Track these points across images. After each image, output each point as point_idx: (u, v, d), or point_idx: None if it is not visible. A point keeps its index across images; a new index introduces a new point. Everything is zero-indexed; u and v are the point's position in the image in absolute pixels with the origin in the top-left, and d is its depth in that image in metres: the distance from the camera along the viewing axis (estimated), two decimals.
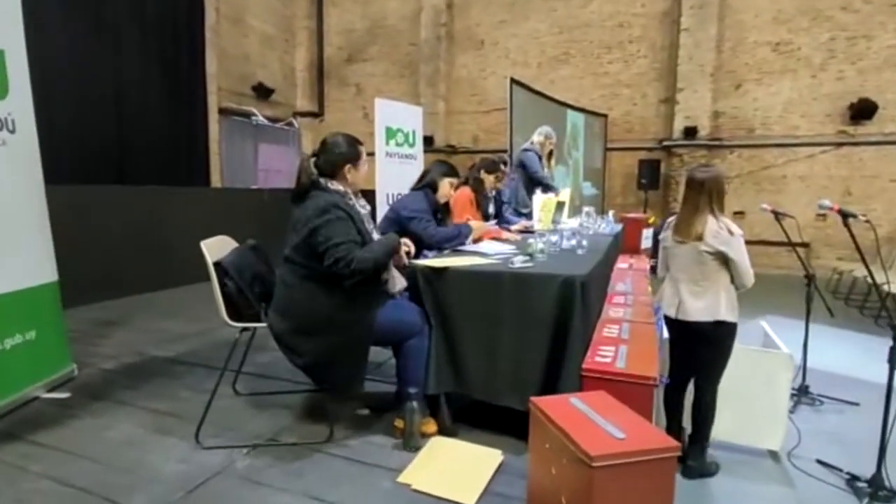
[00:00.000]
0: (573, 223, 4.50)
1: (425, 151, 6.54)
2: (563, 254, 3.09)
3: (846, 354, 4.18)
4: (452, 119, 10.00)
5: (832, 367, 3.79)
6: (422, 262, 2.62)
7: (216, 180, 8.72)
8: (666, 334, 2.58)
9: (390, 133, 5.71)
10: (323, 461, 2.42)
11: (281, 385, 3.16)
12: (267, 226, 6.58)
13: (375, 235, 2.59)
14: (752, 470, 2.48)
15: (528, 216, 4.66)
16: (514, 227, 4.11)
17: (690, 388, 2.48)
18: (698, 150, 8.25)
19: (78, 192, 5.27)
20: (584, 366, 2.15)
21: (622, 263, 4.38)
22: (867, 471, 2.30)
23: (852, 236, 2.43)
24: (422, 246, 3.15)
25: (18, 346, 2.95)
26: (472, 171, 4.04)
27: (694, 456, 2.37)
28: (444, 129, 9.91)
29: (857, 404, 3.18)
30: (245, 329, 2.63)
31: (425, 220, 3.22)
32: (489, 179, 4.01)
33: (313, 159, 2.52)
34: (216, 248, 2.61)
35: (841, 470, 2.41)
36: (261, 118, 9.52)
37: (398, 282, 2.59)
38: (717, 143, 8.27)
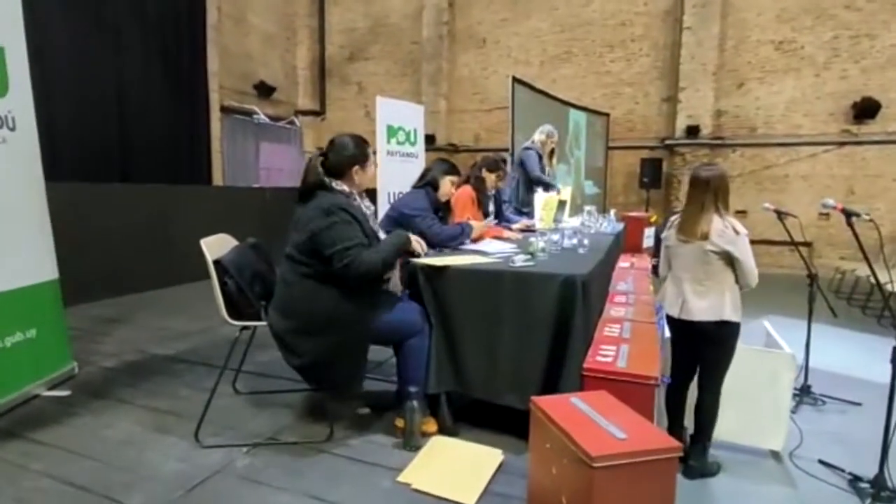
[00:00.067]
0: (574, 222, 4.49)
1: (427, 150, 6.54)
2: (564, 253, 3.09)
3: (848, 354, 4.17)
4: (454, 118, 9.99)
5: (834, 366, 3.78)
6: (422, 260, 2.61)
7: (218, 179, 8.72)
8: (668, 334, 2.57)
9: (391, 131, 5.70)
10: (323, 460, 2.41)
11: (281, 384, 3.16)
12: (268, 224, 6.60)
13: (381, 235, 2.58)
14: (754, 470, 2.47)
15: (529, 215, 4.65)
16: (515, 226, 4.10)
17: (692, 387, 2.47)
18: (700, 149, 8.23)
19: (79, 189, 5.28)
20: (585, 365, 2.14)
21: (624, 262, 4.37)
22: (869, 471, 2.29)
23: (856, 235, 2.42)
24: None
25: (19, 343, 2.95)
26: (474, 169, 4.03)
27: (695, 456, 2.36)
28: (445, 127, 9.89)
29: (859, 404, 3.17)
30: (245, 327, 2.63)
31: (429, 218, 3.22)
32: (490, 178, 3.99)
33: (321, 159, 2.50)
34: (216, 246, 2.61)
35: (843, 470, 2.40)
36: (262, 117, 9.52)
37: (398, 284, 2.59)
38: (719, 142, 8.25)
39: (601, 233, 4.20)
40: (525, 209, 4.90)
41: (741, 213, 7.96)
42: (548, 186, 4.86)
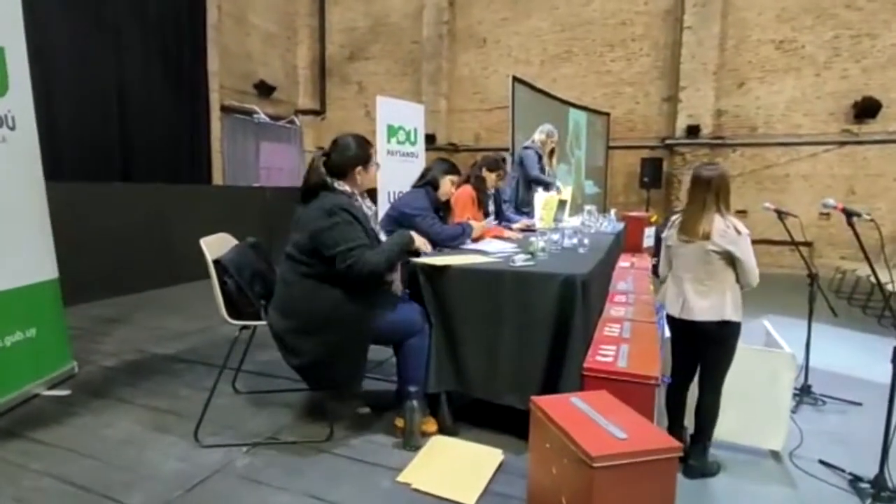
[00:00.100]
0: (575, 221, 4.48)
1: (427, 149, 6.53)
2: (564, 252, 3.08)
3: (849, 354, 4.16)
4: (454, 117, 9.99)
5: (835, 366, 3.77)
6: (422, 260, 2.61)
7: (218, 178, 8.72)
8: (667, 333, 2.56)
9: (392, 131, 5.69)
10: (323, 460, 2.41)
11: (281, 383, 3.15)
12: (268, 224, 6.62)
13: (382, 236, 2.58)
14: (754, 470, 2.47)
15: (529, 214, 4.64)
16: (515, 226, 4.10)
17: (692, 387, 2.47)
18: (701, 149, 8.23)
19: (80, 189, 5.28)
20: (585, 365, 2.14)
21: (624, 262, 4.37)
22: (870, 471, 2.29)
23: (856, 235, 2.41)
24: None
25: (19, 343, 2.95)
26: (474, 169, 4.03)
27: (696, 456, 2.36)
28: (445, 127, 9.89)
29: (859, 404, 3.16)
30: (245, 327, 2.63)
31: (430, 217, 3.22)
32: (491, 177, 3.99)
33: (323, 159, 2.50)
34: (216, 245, 2.61)
35: (843, 470, 2.40)
36: (263, 116, 9.51)
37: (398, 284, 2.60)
38: (719, 141, 8.24)
39: (601, 232, 4.20)
40: (525, 209, 4.90)
41: (741, 213, 7.96)
42: (546, 185, 4.85)
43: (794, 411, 2.92)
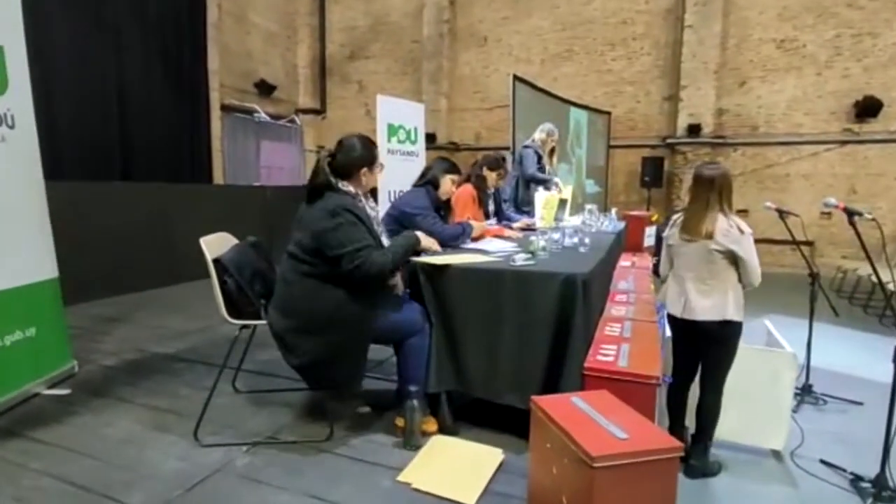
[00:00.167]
0: (575, 221, 4.47)
1: (427, 149, 6.52)
2: (564, 252, 3.07)
3: (850, 353, 4.16)
4: (455, 116, 9.98)
5: (836, 366, 3.77)
6: (423, 259, 2.61)
7: (218, 177, 8.71)
8: (668, 333, 2.56)
9: (392, 130, 5.69)
10: (323, 460, 2.41)
11: (281, 383, 3.15)
12: (269, 223, 6.62)
13: (384, 238, 2.57)
14: (755, 469, 2.46)
15: (530, 213, 4.63)
16: (515, 225, 4.09)
17: (693, 387, 2.46)
18: (702, 148, 8.22)
19: (80, 188, 5.28)
20: (585, 364, 2.13)
21: (625, 261, 4.36)
22: (871, 471, 2.28)
23: (858, 234, 2.41)
24: None
25: (19, 342, 2.95)
26: (475, 168, 4.02)
27: (697, 455, 2.35)
28: (446, 126, 9.88)
29: (860, 404, 3.16)
30: (245, 326, 2.63)
31: (431, 216, 3.21)
32: (491, 177, 3.98)
33: (329, 159, 2.49)
34: (215, 244, 2.60)
35: (844, 470, 2.39)
36: (263, 115, 9.51)
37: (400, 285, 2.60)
38: (720, 140, 8.23)
39: (602, 231, 4.19)
40: (525, 207, 4.89)
41: (742, 212, 7.94)
42: (542, 183, 4.84)
43: (795, 411, 2.91)
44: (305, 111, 10.65)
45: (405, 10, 10.05)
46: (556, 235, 3.26)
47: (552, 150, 5.27)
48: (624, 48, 8.76)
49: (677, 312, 2.39)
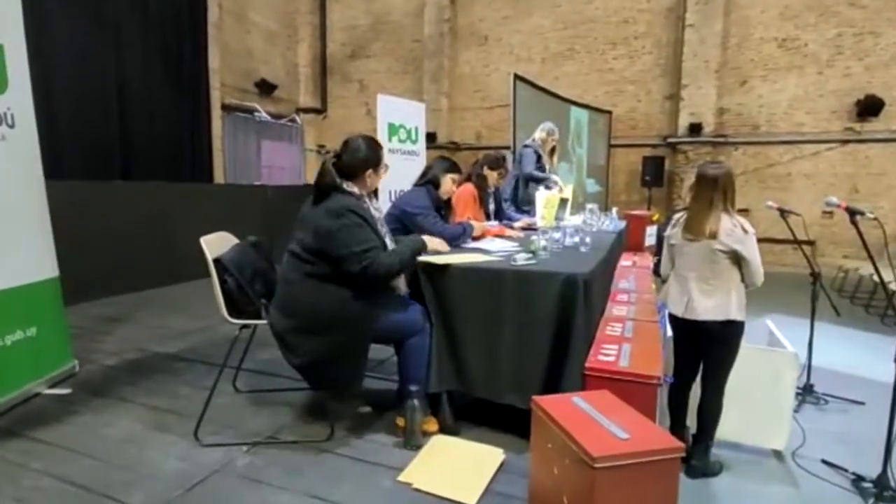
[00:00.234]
0: (576, 220, 4.46)
1: (428, 148, 6.51)
2: (565, 251, 3.07)
3: (851, 353, 4.15)
4: (455, 115, 9.97)
5: (837, 365, 3.76)
6: (424, 258, 2.60)
7: (219, 176, 8.72)
8: (670, 333, 2.55)
9: (393, 129, 5.68)
10: (323, 459, 2.40)
11: (281, 382, 3.15)
12: (270, 222, 6.61)
13: (388, 239, 2.57)
14: (756, 469, 2.46)
15: (530, 213, 4.63)
16: (516, 224, 4.08)
17: (694, 387, 2.45)
18: (703, 147, 8.21)
19: (80, 187, 5.28)
20: (586, 364, 2.12)
21: (626, 261, 4.35)
22: (872, 471, 2.28)
23: (859, 234, 2.40)
24: None
25: (19, 342, 2.94)
26: (475, 167, 4.01)
27: (698, 455, 2.35)
28: (447, 125, 9.88)
29: (862, 403, 3.15)
30: (245, 326, 2.62)
31: (432, 216, 3.21)
32: (492, 176, 3.98)
33: (334, 160, 2.49)
34: (216, 244, 2.60)
35: (846, 470, 2.39)
36: (264, 114, 9.51)
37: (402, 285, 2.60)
38: (721, 139, 8.22)
39: (603, 231, 4.18)
40: (526, 207, 4.88)
41: (744, 212, 7.92)
42: (541, 182, 4.83)
43: (796, 411, 2.91)
44: (306, 110, 10.65)
45: (406, 9, 10.04)
46: (557, 235, 3.25)
47: (553, 150, 5.25)
48: (625, 47, 8.75)
49: (679, 312, 2.38)
